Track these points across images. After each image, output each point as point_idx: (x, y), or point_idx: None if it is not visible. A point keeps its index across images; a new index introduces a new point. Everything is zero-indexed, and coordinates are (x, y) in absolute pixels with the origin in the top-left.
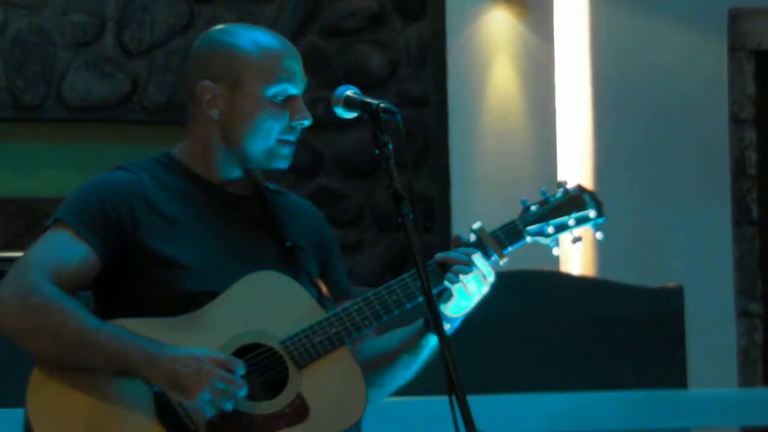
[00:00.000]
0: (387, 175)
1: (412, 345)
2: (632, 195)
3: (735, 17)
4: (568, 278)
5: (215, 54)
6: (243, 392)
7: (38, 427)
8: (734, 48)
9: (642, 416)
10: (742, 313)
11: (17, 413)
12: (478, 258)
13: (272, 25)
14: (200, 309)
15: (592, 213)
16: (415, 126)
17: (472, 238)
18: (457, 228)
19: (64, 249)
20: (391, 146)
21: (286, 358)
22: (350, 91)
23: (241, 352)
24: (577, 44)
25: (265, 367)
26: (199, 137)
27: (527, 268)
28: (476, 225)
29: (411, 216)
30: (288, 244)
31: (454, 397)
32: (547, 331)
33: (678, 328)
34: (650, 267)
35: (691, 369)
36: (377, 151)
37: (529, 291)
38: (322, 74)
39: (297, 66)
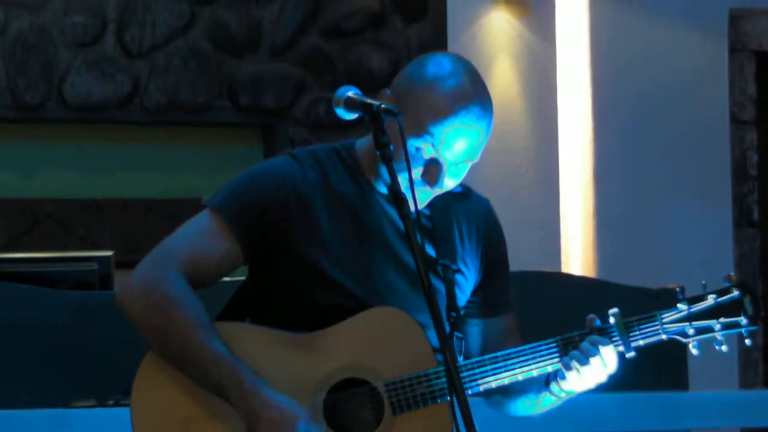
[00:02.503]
0: (388, 176)
1: (534, 390)
2: (632, 195)
3: (735, 18)
4: (569, 279)
5: (396, 90)
6: None
7: (137, 410)
8: (735, 48)
9: (642, 418)
10: None
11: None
12: (602, 348)
13: (273, 26)
14: (321, 331)
15: (743, 320)
16: None
17: (611, 321)
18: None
19: (207, 240)
20: (392, 147)
21: (386, 400)
22: (351, 92)
23: (344, 384)
24: (577, 45)
25: (363, 404)
26: (370, 145)
27: (528, 268)
28: (614, 310)
29: (412, 217)
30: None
31: (455, 398)
32: (547, 331)
33: None
34: (650, 268)
35: (691, 370)
36: (378, 153)
37: (529, 291)
38: (323, 75)
39: (458, 137)
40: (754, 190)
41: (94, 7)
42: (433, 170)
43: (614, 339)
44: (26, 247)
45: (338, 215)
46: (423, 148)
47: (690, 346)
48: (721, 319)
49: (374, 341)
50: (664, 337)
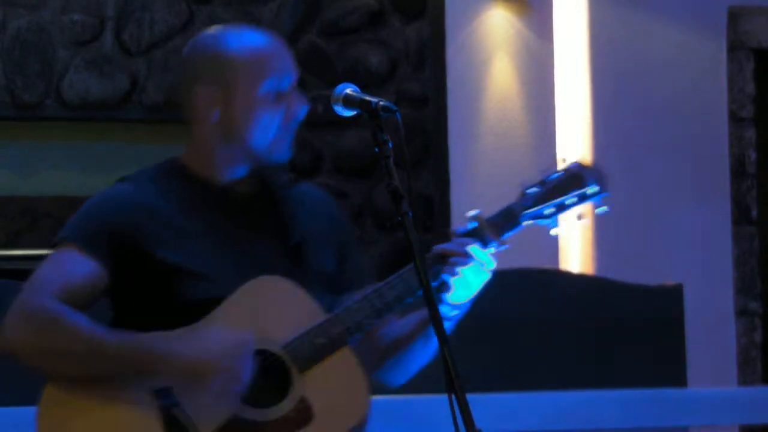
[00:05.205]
0: (386, 174)
1: (424, 329)
2: (631, 193)
3: (734, 16)
4: (567, 276)
5: (206, 59)
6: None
7: None
8: (734, 46)
9: (641, 415)
10: (742, 312)
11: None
12: (474, 248)
13: (272, 25)
14: (202, 320)
15: (591, 189)
16: (414, 125)
17: (471, 226)
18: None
19: (70, 267)
20: (390, 145)
21: (289, 362)
22: (349, 90)
23: None
24: (576, 43)
25: (268, 373)
26: (200, 140)
27: (526, 266)
28: (473, 212)
29: (410, 215)
30: (293, 242)
31: (453, 396)
32: (546, 329)
33: (677, 326)
34: (649, 265)
35: (690, 368)
36: (377, 150)
37: (528, 289)
38: (322, 73)
39: (286, 61)
40: (752, 188)
41: (92, 6)
42: (290, 99)
43: (484, 239)
44: (25, 246)
45: (186, 217)
46: (271, 89)
47: (551, 226)
48: (573, 192)
49: (258, 311)
50: (525, 223)
